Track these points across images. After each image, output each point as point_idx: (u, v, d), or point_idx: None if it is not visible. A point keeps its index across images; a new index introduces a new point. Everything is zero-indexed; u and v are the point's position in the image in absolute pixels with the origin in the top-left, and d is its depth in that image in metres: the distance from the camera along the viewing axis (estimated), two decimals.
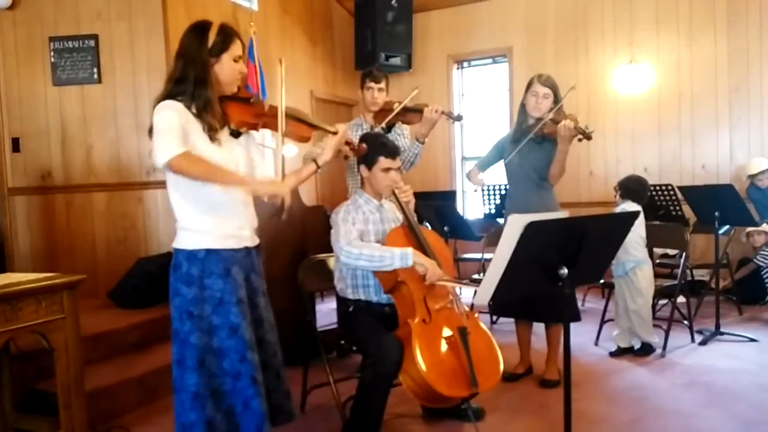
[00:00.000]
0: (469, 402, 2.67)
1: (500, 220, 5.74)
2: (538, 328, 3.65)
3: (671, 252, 5.12)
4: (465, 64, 7.21)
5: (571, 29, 6.48)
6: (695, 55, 6.00)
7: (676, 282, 4.23)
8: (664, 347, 3.98)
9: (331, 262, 3.11)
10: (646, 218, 4.09)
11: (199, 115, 2.10)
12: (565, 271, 1.92)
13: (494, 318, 4.77)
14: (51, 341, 2.51)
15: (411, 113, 3.54)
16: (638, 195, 4.04)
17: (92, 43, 4.45)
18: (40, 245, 4.56)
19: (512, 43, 6.76)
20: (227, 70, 2.17)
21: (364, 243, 2.72)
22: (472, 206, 7.17)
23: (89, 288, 3.74)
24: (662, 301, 4.64)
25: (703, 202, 4.36)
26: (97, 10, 4.46)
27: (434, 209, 4.98)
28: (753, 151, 5.77)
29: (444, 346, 2.60)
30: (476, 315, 2.82)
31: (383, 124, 3.54)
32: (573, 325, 2.16)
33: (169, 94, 2.11)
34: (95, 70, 4.47)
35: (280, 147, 2.26)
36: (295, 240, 3.93)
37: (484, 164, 3.67)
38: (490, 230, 5.14)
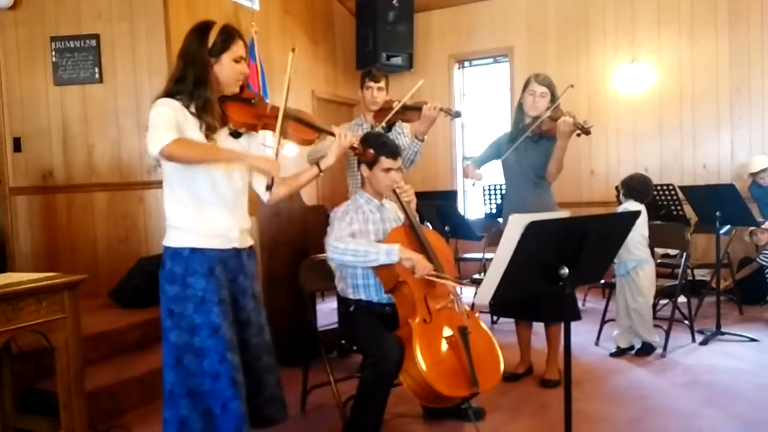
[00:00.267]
0: (469, 402, 2.67)
1: (501, 220, 5.73)
2: (538, 328, 3.64)
3: (672, 252, 5.12)
4: (466, 63, 7.21)
5: (572, 29, 6.48)
6: (696, 55, 6.00)
7: (677, 282, 4.22)
8: (665, 347, 3.97)
9: None
10: (648, 218, 4.08)
11: (198, 115, 2.11)
12: (565, 270, 1.92)
13: (495, 318, 4.77)
14: (52, 341, 2.51)
15: (410, 111, 3.53)
16: (641, 194, 4.01)
17: (93, 42, 4.46)
18: (41, 245, 4.56)
19: (513, 43, 6.76)
20: (227, 70, 2.17)
21: (353, 239, 2.70)
22: (473, 206, 7.18)
23: (90, 288, 3.74)
24: (663, 301, 4.64)
25: (704, 201, 4.35)
26: (98, 10, 4.47)
27: (435, 209, 4.97)
28: (754, 151, 5.77)
29: (444, 346, 2.59)
30: (477, 315, 2.82)
31: (383, 123, 3.54)
32: (573, 325, 2.15)
33: (168, 93, 2.12)
34: (96, 69, 4.48)
35: (279, 147, 2.25)
36: (296, 239, 3.93)
37: (480, 161, 3.65)
38: (491, 230, 5.16)
